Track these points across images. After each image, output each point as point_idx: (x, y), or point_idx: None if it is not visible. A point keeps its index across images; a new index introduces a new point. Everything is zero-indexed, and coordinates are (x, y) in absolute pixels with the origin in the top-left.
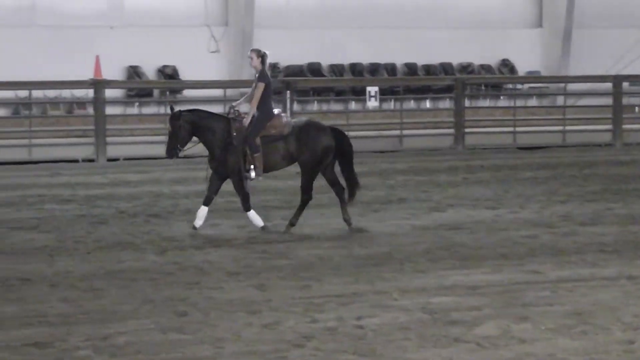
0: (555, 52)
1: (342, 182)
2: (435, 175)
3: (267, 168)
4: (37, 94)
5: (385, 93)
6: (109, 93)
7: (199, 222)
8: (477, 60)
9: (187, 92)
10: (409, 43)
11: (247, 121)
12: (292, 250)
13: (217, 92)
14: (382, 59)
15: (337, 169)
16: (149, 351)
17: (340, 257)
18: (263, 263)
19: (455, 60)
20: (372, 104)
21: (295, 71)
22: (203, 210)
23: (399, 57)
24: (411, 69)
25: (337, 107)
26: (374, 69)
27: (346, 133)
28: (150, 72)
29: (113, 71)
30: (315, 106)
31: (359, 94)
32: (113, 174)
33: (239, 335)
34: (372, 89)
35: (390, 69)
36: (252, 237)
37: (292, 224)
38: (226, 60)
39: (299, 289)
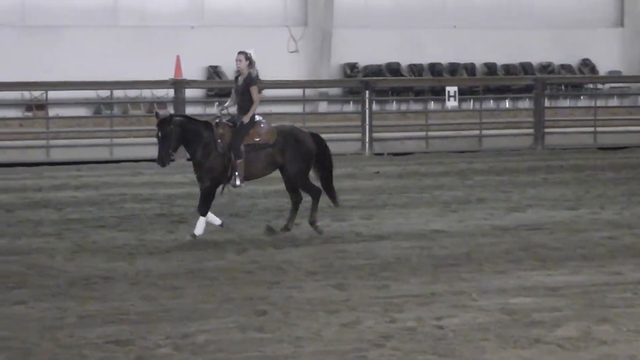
0: (637, 52)
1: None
2: (514, 175)
3: (250, 176)
4: (119, 93)
5: (465, 93)
6: (189, 93)
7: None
8: (557, 60)
9: (266, 92)
10: (489, 43)
11: (246, 119)
12: (370, 250)
13: (296, 92)
14: (462, 58)
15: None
16: (229, 350)
17: (419, 257)
18: (342, 263)
19: (535, 60)
20: (451, 103)
21: (374, 71)
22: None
23: (479, 57)
24: (490, 68)
25: (416, 107)
26: (453, 68)
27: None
28: (229, 72)
29: (193, 71)
30: (394, 106)
31: (438, 93)
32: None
33: (319, 335)
34: (452, 89)
35: (470, 68)
36: (331, 236)
37: (312, 221)
38: (305, 60)
39: (377, 288)
